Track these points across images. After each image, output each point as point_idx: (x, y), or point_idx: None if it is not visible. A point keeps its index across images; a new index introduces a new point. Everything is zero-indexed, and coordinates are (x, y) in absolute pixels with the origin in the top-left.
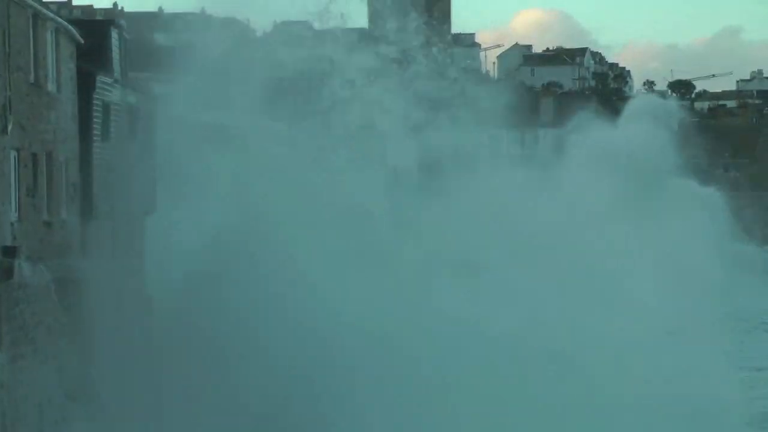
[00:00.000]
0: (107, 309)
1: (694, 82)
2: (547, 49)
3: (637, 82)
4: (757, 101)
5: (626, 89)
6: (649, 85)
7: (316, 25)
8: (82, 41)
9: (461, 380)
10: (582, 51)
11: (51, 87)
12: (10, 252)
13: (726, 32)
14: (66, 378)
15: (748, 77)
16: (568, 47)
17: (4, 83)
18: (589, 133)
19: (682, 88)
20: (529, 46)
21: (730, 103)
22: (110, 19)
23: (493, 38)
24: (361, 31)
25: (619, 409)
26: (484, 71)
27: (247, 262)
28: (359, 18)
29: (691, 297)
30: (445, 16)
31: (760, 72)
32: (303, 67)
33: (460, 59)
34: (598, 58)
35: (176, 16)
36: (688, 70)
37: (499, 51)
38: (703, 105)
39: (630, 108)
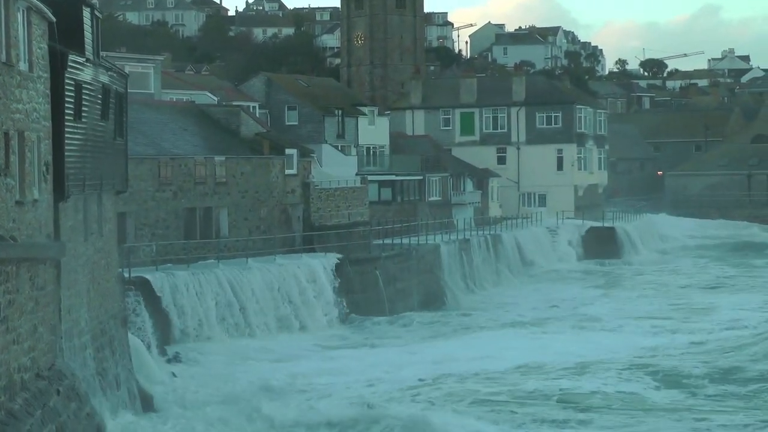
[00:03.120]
0: (80, 288)
1: (666, 61)
2: (520, 27)
3: (612, 61)
4: (728, 80)
5: (598, 68)
6: (622, 64)
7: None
8: (54, 20)
9: None
10: (555, 30)
11: (22, 66)
12: None
13: (705, 10)
14: (38, 357)
15: (719, 56)
16: (543, 26)
17: None
18: None
19: (654, 66)
20: (502, 25)
21: (702, 82)
22: None
23: (472, 16)
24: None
25: None
26: (456, 50)
27: None
28: None
29: None
30: None
31: (731, 51)
32: None
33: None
34: (570, 36)
35: None
36: (665, 49)
37: (472, 30)
38: (675, 84)
39: None
